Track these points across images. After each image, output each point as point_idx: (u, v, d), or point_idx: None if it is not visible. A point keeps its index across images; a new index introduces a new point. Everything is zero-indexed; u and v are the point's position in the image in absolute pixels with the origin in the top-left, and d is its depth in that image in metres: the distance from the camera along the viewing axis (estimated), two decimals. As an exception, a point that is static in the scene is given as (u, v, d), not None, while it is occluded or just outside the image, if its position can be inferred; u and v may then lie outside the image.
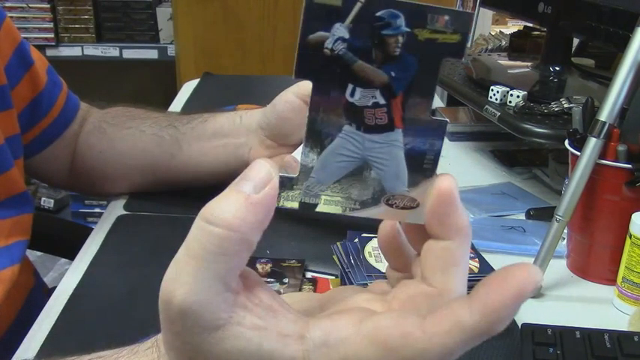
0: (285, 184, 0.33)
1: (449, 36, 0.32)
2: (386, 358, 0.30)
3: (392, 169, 0.34)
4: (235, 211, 0.30)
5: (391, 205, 0.34)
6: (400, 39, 0.32)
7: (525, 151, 1.07)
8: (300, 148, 0.35)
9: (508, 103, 0.89)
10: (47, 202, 2.58)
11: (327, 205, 0.34)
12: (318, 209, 0.34)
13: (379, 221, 0.37)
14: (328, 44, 0.31)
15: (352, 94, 0.33)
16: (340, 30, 0.31)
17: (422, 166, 0.34)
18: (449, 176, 0.33)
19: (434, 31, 0.31)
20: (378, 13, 0.31)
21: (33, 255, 1.52)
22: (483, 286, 0.29)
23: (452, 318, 0.29)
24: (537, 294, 0.69)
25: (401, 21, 0.31)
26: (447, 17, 0.31)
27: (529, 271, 0.28)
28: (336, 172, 0.34)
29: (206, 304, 0.30)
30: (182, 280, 0.30)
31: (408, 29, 0.31)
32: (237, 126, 0.81)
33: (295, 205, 0.34)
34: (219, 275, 0.30)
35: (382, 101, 0.33)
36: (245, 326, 0.31)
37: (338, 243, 0.68)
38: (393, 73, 0.32)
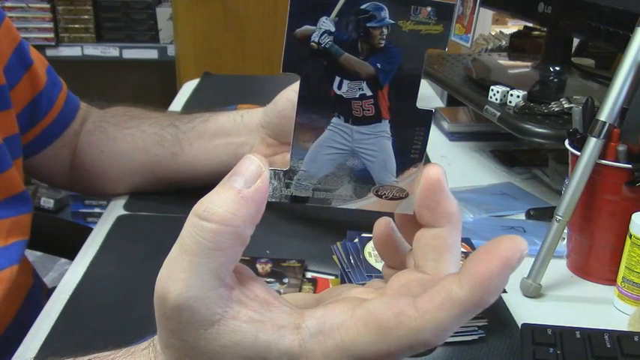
0: (276, 177, 0.34)
1: (432, 27, 0.32)
2: (381, 340, 0.30)
3: (380, 160, 0.34)
4: (227, 205, 0.30)
5: (381, 196, 0.35)
6: (385, 31, 0.32)
7: (525, 151, 1.07)
8: None
9: (508, 103, 0.89)
10: (47, 202, 2.58)
11: (318, 197, 0.35)
12: (308, 202, 0.35)
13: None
14: (315, 38, 0.32)
15: (339, 87, 0.33)
16: (326, 23, 0.32)
17: (409, 156, 0.34)
18: (436, 165, 0.34)
19: (417, 23, 0.32)
20: (363, 6, 0.32)
21: (33, 255, 1.52)
22: (471, 260, 0.29)
23: (443, 293, 0.29)
24: (537, 294, 0.69)
25: (385, 13, 0.32)
26: (429, 9, 0.32)
27: (514, 242, 0.29)
28: (326, 164, 0.34)
29: (201, 299, 0.30)
30: (177, 276, 0.31)
31: (392, 21, 0.32)
32: (238, 125, 0.82)
33: (286, 198, 0.34)
34: (214, 270, 0.31)
35: (369, 93, 0.33)
36: (241, 320, 0.31)
37: (338, 243, 0.68)
38: (378, 65, 0.33)
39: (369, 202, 0.35)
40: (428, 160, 0.34)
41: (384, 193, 0.35)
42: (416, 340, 0.30)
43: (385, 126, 0.34)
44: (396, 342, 0.30)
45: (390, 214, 0.37)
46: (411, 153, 0.34)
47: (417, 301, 0.30)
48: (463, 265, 0.30)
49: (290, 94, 0.75)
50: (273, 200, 0.34)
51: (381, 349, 0.30)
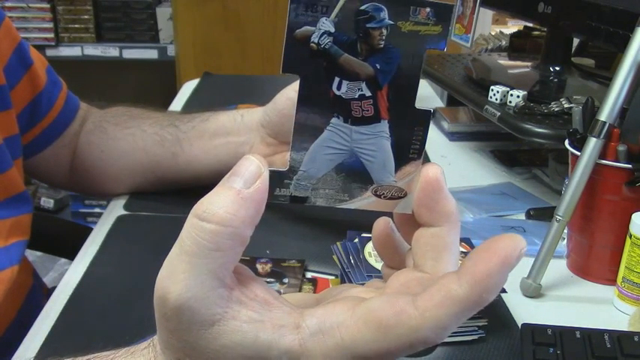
0: (276, 178, 0.34)
1: (430, 27, 0.33)
2: (381, 338, 0.30)
3: (379, 160, 0.35)
4: (227, 206, 0.31)
5: (379, 196, 0.35)
6: (384, 32, 0.33)
7: (525, 151, 1.06)
8: None
9: (508, 103, 0.89)
10: (47, 202, 2.58)
11: (317, 198, 0.35)
12: (308, 202, 0.35)
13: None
14: (314, 38, 0.32)
15: (339, 87, 0.33)
16: (326, 24, 0.32)
17: (408, 155, 0.35)
18: (434, 164, 0.34)
19: (416, 23, 0.33)
20: (362, 7, 0.32)
21: (33, 255, 1.52)
22: (470, 258, 0.30)
23: (442, 291, 0.30)
24: (537, 294, 0.69)
25: (384, 14, 0.32)
26: (428, 9, 0.32)
27: (513, 240, 0.29)
28: (325, 164, 0.34)
29: (201, 299, 0.31)
30: (177, 277, 0.31)
31: (391, 22, 0.32)
32: (238, 124, 0.82)
33: (286, 199, 0.35)
34: (213, 271, 0.31)
35: (368, 93, 0.34)
36: (241, 320, 0.31)
37: (338, 243, 0.68)
38: (378, 65, 0.33)
39: (368, 202, 0.35)
40: (428, 160, 0.35)
41: (383, 193, 0.35)
42: (416, 338, 0.30)
43: (384, 126, 0.34)
44: (396, 340, 0.30)
45: (389, 214, 0.37)
46: (409, 153, 0.35)
47: (417, 299, 0.30)
48: (462, 264, 0.30)
49: (290, 92, 0.76)
50: (272, 201, 0.34)
51: (381, 347, 0.30)
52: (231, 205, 0.31)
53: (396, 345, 0.30)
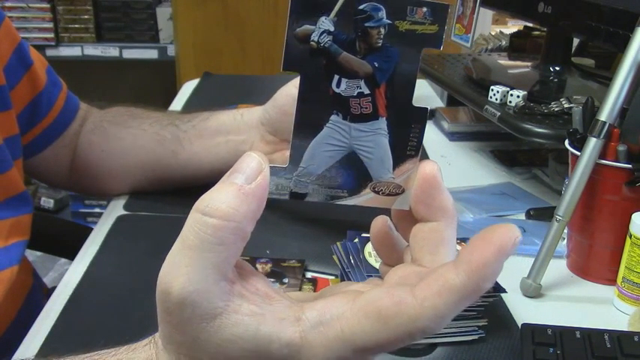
0: (276, 174, 0.34)
1: (427, 27, 0.33)
2: (381, 329, 0.30)
3: (378, 156, 0.35)
4: (229, 201, 0.31)
5: (377, 192, 0.36)
6: (382, 31, 0.33)
7: (525, 151, 1.07)
8: None
9: (508, 103, 0.89)
10: (47, 202, 2.58)
11: (316, 194, 0.36)
12: (307, 199, 0.36)
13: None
14: (314, 37, 0.33)
15: (338, 85, 0.34)
16: (325, 23, 0.33)
17: (406, 152, 0.35)
18: (431, 161, 0.35)
19: (413, 23, 0.33)
20: (361, 6, 0.33)
21: (33, 255, 1.52)
22: (466, 248, 0.30)
23: (440, 281, 0.30)
24: (537, 294, 0.69)
25: (382, 13, 0.33)
26: (424, 9, 0.33)
27: (508, 229, 0.30)
28: (325, 161, 0.35)
29: (204, 292, 0.31)
30: (180, 271, 0.31)
31: (389, 21, 0.33)
32: (238, 123, 0.82)
33: (286, 195, 0.35)
34: (216, 265, 0.31)
35: (367, 91, 0.34)
36: (242, 313, 0.31)
37: (338, 243, 0.68)
38: (376, 64, 0.34)
39: (366, 198, 0.36)
40: (425, 157, 0.35)
41: (381, 189, 0.36)
42: (415, 327, 0.30)
43: (382, 123, 0.35)
44: (395, 330, 0.30)
45: (387, 210, 0.37)
46: (407, 150, 0.35)
47: (415, 289, 0.30)
48: (459, 254, 0.30)
49: (290, 89, 0.76)
50: (273, 197, 0.34)
51: (381, 337, 0.31)
52: (233, 200, 0.31)
53: (396, 335, 0.30)
